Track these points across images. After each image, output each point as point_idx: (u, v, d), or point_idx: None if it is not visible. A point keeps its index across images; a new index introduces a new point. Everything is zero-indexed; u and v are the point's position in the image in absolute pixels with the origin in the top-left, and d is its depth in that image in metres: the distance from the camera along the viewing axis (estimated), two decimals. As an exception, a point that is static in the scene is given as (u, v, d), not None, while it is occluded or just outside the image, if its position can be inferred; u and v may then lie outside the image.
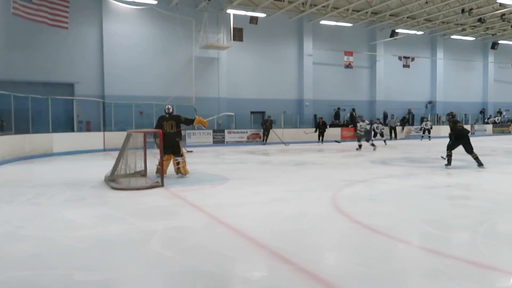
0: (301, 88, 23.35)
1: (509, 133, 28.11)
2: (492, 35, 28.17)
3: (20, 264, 3.56)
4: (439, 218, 5.09)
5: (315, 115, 22.91)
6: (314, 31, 23.45)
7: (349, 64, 24.38)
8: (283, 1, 20.69)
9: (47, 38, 17.39)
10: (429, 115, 26.03)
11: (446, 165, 9.71)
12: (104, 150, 16.40)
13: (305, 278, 3.19)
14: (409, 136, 24.50)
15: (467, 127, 20.34)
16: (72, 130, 17.21)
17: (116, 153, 9.00)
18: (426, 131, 23.04)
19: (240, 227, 4.63)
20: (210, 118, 10.79)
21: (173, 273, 3.35)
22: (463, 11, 21.79)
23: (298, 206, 5.83)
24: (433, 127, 23.84)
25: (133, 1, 18.44)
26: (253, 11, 20.54)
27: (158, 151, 8.12)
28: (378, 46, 25.40)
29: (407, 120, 25.47)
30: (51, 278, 3.27)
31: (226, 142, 19.97)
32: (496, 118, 29.15)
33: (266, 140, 20.25)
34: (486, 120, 29.09)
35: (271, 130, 20.22)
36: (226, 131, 20.11)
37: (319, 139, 19.93)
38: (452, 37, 27.51)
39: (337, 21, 22.81)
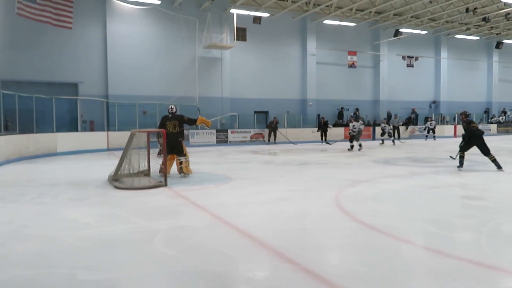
0: (304, 87, 23.33)
1: (513, 132, 27.97)
2: (497, 34, 28.02)
3: (24, 263, 3.57)
4: (443, 218, 5.07)
5: (318, 115, 22.88)
6: (318, 31, 23.41)
7: (353, 63, 24.34)
8: (287, 0, 20.67)
9: (51, 38, 17.46)
10: (433, 114, 25.93)
11: (458, 167, 9.28)
12: (108, 149, 16.45)
13: (308, 277, 3.19)
14: (413, 135, 24.41)
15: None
16: (76, 130, 17.27)
17: (119, 153, 9.02)
18: (431, 131, 22.87)
19: (243, 226, 4.63)
20: (212, 119, 10.81)
21: (176, 272, 3.36)
22: (467, 10, 21.68)
23: (301, 206, 5.82)
24: (436, 126, 23.71)
25: (136, 1, 18.49)
26: (256, 10, 20.54)
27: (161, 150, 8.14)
28: (382, 45, 25.33)
29: (412, 120, 25.37)
30: (55, 277, 3.28)
31: (230, 141, 19.97)
32: (501, 118, 29.01)
33: (270, 140, 20.26)
34: (490, 119, 28.95)
35: (277, 131, 20.22)
36: (229, 130, 20.12)
37: (322, 139, 19.85)
38: (456, 36, 27.39)
39: (340, 20, 22.76)
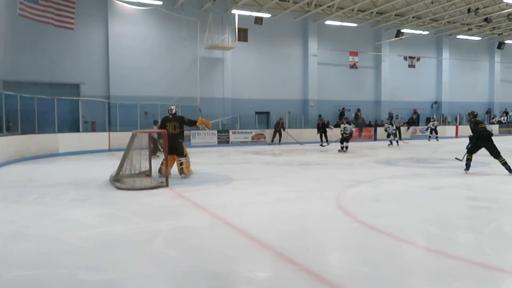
0: (305, 88, 23.33)
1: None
2: (499, 34, 27.98)
3: (26, 263, 3.58)
4: (444, 218, 5.06)
5: (319, 115, 22.86)
6: (319, 31, 23.42)
7: (354, 64, 24.33)
8: (288, 1, 20.68)
9: (53, 39, 17.50)
10: (435, 115, 25.88)
11: (465, 169, 8.85)
12: (109, 150, 16.47)
13: (309, 278, 3.19)
14: (414, 136, 24.37)
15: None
16: (78, 131, 17.30)
17: (121, 153, 9.03)
18: (433, 131, 22.73)
19: (244, 227, 4.63)
20: (213, 121, 10.81)
21: (177, 273, 3.36)
22: (469, 10, 21.65)
23: (302, 207, 5.81)
24: (438, 127, 23.61)
25: (138, 2, 18.52)
26: (258, 11, 20.55)
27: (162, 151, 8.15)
28: (383, 46, 25.31)
29: (414, 120, 25.32)
30: (56, 277, 3.29)
31: (231, 142, 19.98)
32: (502, 118, 28.94)
33: (273, 141, 20.33)
34: (492, 120, 28.89)
35: (283, 132, 20.28)
36: (230, 131, 20.13)
37: (321, 139, 19.62)
38: (458, 37, 27.35)
39: (342, 21, 22.75)
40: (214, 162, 12.44)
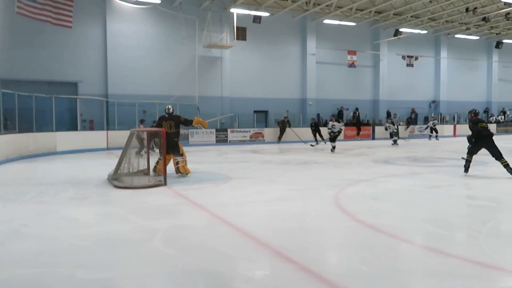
0: (304, 87, 23.32)
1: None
2: (497, 34, 28.02)
3: (24, 262, 3.57)
4: (443, 217, 5.07)
5: (318, 114, 22.89)
6: (318, 30, 23.40)
7: (353, 63, 24.32)
8: (287, 0, 20.66)
9: (51, 37, 17.44)
10: (433, 114, 25.92)
11: (464, 171, 8.47)
12: (108, 149, 16.44)
13: (308, 277, 3.19)
14: (412, 135, 24.40)
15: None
16: (76, 129, 17.25)
17: (119, 152, 9.01)
18: (434, 131, 22.64)
19: (242, 226, 4.63)
20: (210, 120, 10.79)
21: (175, 271, 3.36)
22: (467, 10, 21.67)
23: (301, 205, 5.82)
24: (436, 125, 23.59)
25: (136, 1, 18.49)
26: (256, 10, 20.52)
27: (158, 150, 8.16)
28: (382, 45, 25.32)
29: (412, 120, 25.33)
30: (54, 276, 3.28)
31: (229, 141, 19.97)
32: (500, 118, 29.01)
33: (280, 139, 20.41)
34: (489, 119, 28.95)
35: (287, 129, 20.39)
36: (229, 130, 20.12)
37: (315, 139, 19.59)
38: (456, 36, 27.37)
39: (340, 20, 22.74)
40: (212, 161, 12.43)
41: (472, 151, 8.41)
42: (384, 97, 25.65)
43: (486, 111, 29.78)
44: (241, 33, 21.46)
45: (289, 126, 20.55)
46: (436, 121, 23.27)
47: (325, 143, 18.46)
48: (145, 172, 8.36)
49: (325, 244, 4.15)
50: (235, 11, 20.08)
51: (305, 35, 23.11)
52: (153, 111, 18.08)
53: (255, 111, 21.91)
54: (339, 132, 14.99)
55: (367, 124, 24.17)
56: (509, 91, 30.81)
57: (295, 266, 3.40)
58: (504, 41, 28.25)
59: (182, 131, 17.90)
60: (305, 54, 23.12)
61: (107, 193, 6.85)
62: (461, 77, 28.77)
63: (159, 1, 18.48)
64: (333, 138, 14.84)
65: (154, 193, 6.79)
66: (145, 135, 8.54)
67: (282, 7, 21.15)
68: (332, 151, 14.70)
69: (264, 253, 3.78)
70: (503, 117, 29.22)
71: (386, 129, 19.21)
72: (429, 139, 22.62)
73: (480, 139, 8.25)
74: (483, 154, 8.91)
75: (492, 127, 27.09)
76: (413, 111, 25.86)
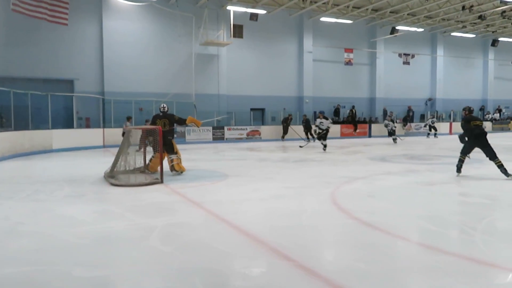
0: (301, 85, 23.33)
1: (508, 130, 28.08)
2: (493, 32, 28.09)
3: (20, 260, 3.56)
4: (438, 214, 5.10)
5: (314, 112, 22.89)
6: (314, 28, 23.40)
7: (349, 61, 24.35)
8: (283, -3, 20.64)
9: (47, 35, 17.36)
10: (429, 112, 25.99)
11: (456, 171, 8.18)
12: (104, 146, 16.40)
13: (304, 274, 3.20)
14: (409, 133, 24.47)
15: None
16: (72, 127, 17.21)
17: (115, 150, 9.00)
18: (432, 129, 22.63)
19: (239, 223, 4.64)
20: (206, 121, 10.77)
21: (172, 269, 3.36)
22: (463, 8, 21.73)
23: (297, 203, 5.83)
24: (435, 123, 23.62)
25: (133, -2, 18.42)
26: (253, 7, 20.48)
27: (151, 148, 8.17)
28: (378, 43, 25.35)
29: (409, 118, 25.39)
30: (51, 274, 3.28)
31: (226, 139, 19.97)
32: (496, 115, 29.14)
33: (284, 137, 20.48)
34: (485, 117, 29.08)
35: (289, 127, 20.51)
36: (225, 128, 20.11)
37: (307, 137, 19.64)
38: (452, 34, 27.45)
39: (337, 18, 22.75)
40: (209, 158, 12.42)
41: (465, 150, 8.09)
42: (381, 95, 25.71)
43: (482, 109, 29.91)
44: (238, 31, 21.42)
45: (289, 124, 20.59)
46: (435, 119, 23.30)
47: (314, 141, 18.35)
48: (142, 170, 8.36)
49: (321, 242, 4.17)
50: (231, 8, 20.03)
51: (301, 32, 23.10)
52: (150, 108, 18.04)
53: (251, 109, 21.91)
54: (327, 130, 14.21)
55: (364, 121, 24.22)
56: (504, 89, 30.94)
57: (291, 263, 3.41)
58: (500, 39, 28.35)
59: (179, 129, 17.97)
60: (302, 51, 23.12)
61: (103, 191, 6.84)
62: (457, 75, 28.86)
63: (156, -2, 18.43)
64: (322, 136, 14.16)
65: (151, 191, 6.79)
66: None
67: (279, 5, 21.12)
68: (324, 150, 14.15)
69: (260, 250, 3.79)
70: (498, 115, 29.34)
71: (386, 126, 19.25)
72: (427, 137, 22.66)
73: (473, 138, 7.87)
74: (479, 151, 8.89)
75: (488, 125, 27.24)
76: (409, 109, 25.91)
